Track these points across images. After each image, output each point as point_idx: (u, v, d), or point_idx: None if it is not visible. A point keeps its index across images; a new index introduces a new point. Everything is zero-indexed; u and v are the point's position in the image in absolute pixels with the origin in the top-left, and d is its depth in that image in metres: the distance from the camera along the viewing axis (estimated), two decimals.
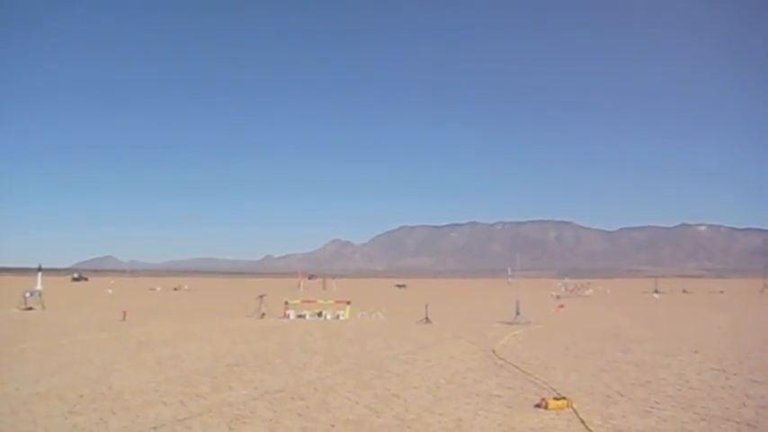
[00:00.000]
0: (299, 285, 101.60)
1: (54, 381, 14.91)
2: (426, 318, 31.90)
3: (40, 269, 49.90)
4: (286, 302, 38.87)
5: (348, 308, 36.93)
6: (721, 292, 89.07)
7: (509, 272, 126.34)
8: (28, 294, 43.94)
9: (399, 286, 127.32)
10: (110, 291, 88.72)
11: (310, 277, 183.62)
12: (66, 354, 19.91)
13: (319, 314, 35.58)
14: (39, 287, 46.08)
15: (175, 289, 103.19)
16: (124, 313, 34.70)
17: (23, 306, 42.53)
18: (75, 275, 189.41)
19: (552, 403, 11.65)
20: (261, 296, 38.62)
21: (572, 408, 11.55)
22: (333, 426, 10.55)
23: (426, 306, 34.63)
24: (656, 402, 12.25)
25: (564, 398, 11.98)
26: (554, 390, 13.34)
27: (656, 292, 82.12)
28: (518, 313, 32.20)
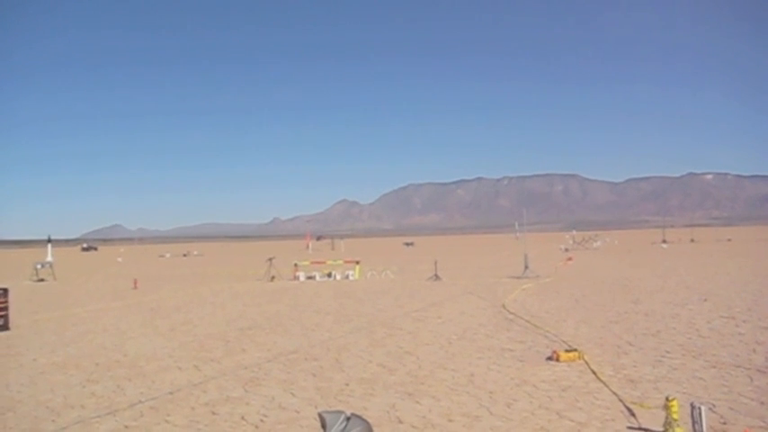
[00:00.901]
0: (307, 247, 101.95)
1: (70, 350, 15.07)
2: (436, 275, 32.00)
3: (49, 240, 50.13)
4: (295, 264, 39.02)
5: (357, 267, 37.05)
6: (729, 240, 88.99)
7: (516, 226, 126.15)
8: (39, 266, 44.20)
9: (407, 244, 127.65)
10: (120, 259, 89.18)
11: (318, 238, 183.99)
12: (80, 323, 20.08)
13: (329, 275, 35.71)
14: (49, 258, 46.33)
15: (184, 255, 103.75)
16: (135, 281, 34.92)
17: (35, 278, 42.81)
18: (85, 245, 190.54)
19: (563, 355, 11.74)
20: (270, 259, 38.76)
21: (583, 359, 11.64)
22: (347, 384, 10.67)
23: (435, 263, 34.74)
24: (667, 351, 12.33)
25: (575, 350, 12.07)
26: (565, 342, 13.44)
27: (664, 242, 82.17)
28: (527, 267, 32.26)
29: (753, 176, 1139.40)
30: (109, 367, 12.81)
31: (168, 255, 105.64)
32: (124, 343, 15.86)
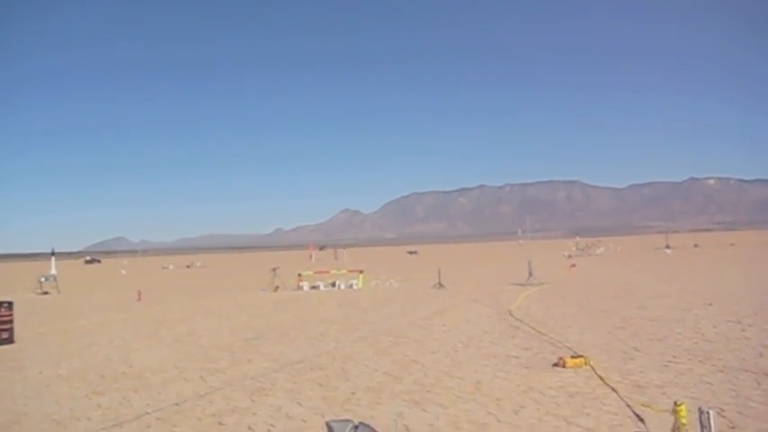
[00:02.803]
0: (310, 257, 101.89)
1: (75, 362, 15.07)
2: (440, 283, 31.98)
3: (53, 253, 50.21)
4: (299, 274, 39.02)
5: (361, 276, 37.05)
6: (733, 244, 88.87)
7: (519, 233, 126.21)
8: (43, 279, 44.25)
9: (411, 253, 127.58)
10: (123, 271, 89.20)
11: (321, 248, 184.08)
12: (85, 336, 20.08)
13: (333, 284, 35.72)
14: (53, 271, 46.34)
15: (188, 266, 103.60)
16: (139, 293, 34.90)
17: (39, 291, 42.83)
18: (89, 258, 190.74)
19: (570, 361, 11.72)
20: (274, 269, 38.78)
21: (589, 365, 11.62)
22: (353, 393, 10.65)
23: (439, 271, 34.71)
24: (673, 356, 12.31)
25: (581, 356, 12.05)
26: (571, 348, 13.42)
27: (668, 247, 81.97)
28: (531, 274, 32.25)
29: (755, 180, 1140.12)
30: (115, 379, 12.80)
31: (172, 266, 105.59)
32: (129, 355, 15.86)
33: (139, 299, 33.19)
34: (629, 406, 8.98)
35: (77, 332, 21.07)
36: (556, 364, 11.90)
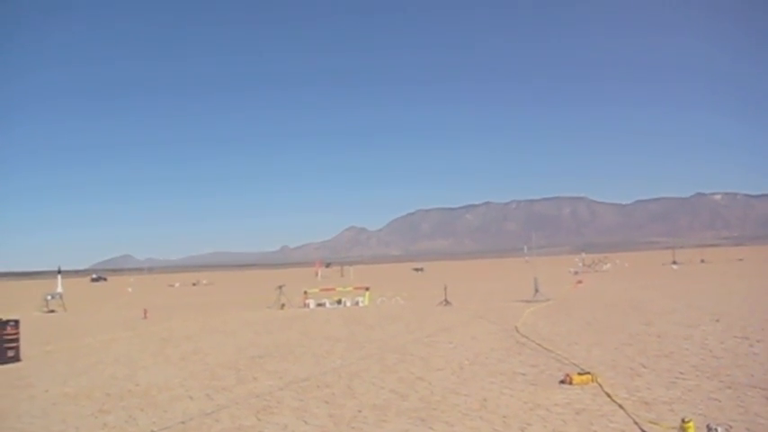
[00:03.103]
0: (316, 274, 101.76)
1: (81, 381, 15.07)
2: (446, 300, 31.92)
3: (59, 271, 50.23)
4: (305, 292, 38.97)
5: (367, 294, 37.00)
6: (740, 259, 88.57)
7: (525, 250, 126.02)
8: (49, 297, 44.31)
9: (417, 270, 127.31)
10: (130, 289, 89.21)
11: (327, 265, 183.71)
12: (91, 354, 20.10)
13: (339, 302, 35.70)
14: (59, 289, 46.38)
15: (194, 284, 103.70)
16: (145, 311, 34.91)
17: (45, 309, 42.91)
18: (95, 276, 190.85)
19: (577, 378, 11.67)
20: (280, 287, 38.74)
21: (596, 382, 11.58)
22: (360, 411, 10.63)
23: (445, 288, 34.66)
24: (681, 373, 12.26)
25: (588, 372, 12.01)
26: (577, 365, 13.36)
27: (675, 263, 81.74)
28: (537, 291, 32.17)
29: (762, 195, 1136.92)
30: (121, 397, 12.79)
31: (178, 284, 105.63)
32: (135, 373, 15.85)
33: (145, 317, 33.20)
34: (636, 423, 8.94)
35: (84, 350, 21.10)
36: (563, 381, 11.86)
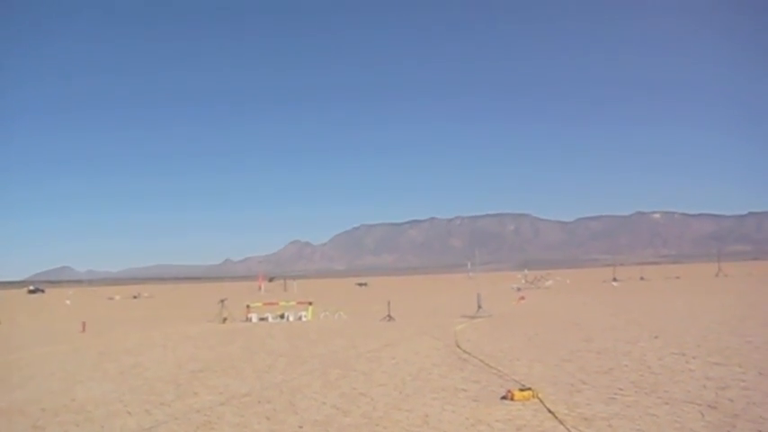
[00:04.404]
0: (259, 288, 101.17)
1: (15, 395, 14.69)
2: (389, 315, 31.93)
3: None
4: (248, 306, 38.70)
5: (310, 308, 36.87)
6: (677, 277, 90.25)
7: (469, 266, 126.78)
8: None
9: (360, 285, 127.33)
10: (68, 302, 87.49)
11: (270, 279, 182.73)
12: (26, 367, 19.63)
13: (282, 316, 35.50)
14: None
15: (134, 297, 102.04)
16: (83, 324, 34.23)
17: None
18: (32, 287, 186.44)
19: (518, 394, 11.74)
20: (222, 300, 38.43)
21: (538, 398, 11.66)
22: (301, 427, 10.54)
23: (388, 303, 34.67)
24: (620, 389, 12.42)
25: (529, 389, 12.08)
26: (519, 381, 13.45)
27: (615, 280, 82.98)
28: (480, 307, 32.38)
29: (699, 215, 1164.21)
30: (56, 413, 12.50)
31: (118, 297, 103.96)
32: (72, 387, 15.51)
33: (84, 330, 32.54)
34: None
35: (18, 364, 20.59)
36: (504, 397, 11.91)
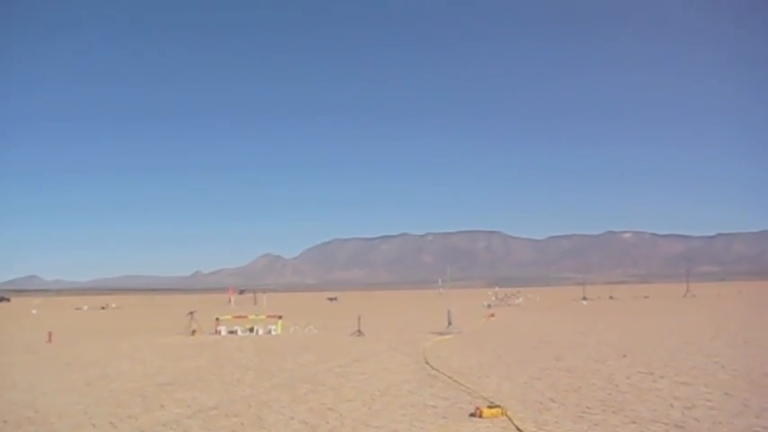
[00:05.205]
0: (229, 301, 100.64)
1: None
2: (359, 330, 31.85)
3: None
4: (217, 318, 38.41)
5: (280, 322, 36.68)
6: (646, 297, 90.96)
7: (440, 282, 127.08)
8: None
9: (331, 299, 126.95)
10: (34, 311, 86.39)
11: (241, 292, 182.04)
12: None
13: (251, 329, 35.29)
14: None
15: (102, 308, 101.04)
16: (50, 334, 33.76)
17: None
18: None
19: (487, 412, 11.75)
20: (191, 313, 38.13)
21: (506, 415, 11.67)
22: None
23: (359, 318, 34.60)
24: (588, 407, 12.46)
25: (498, 406, 12.10)
26: (488, 398, 13.45)
27: (585, 298, 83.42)
28: (450, 323, 32.41)
29: (668, 235, 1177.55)
30: (18, 425, 12.31)
31: (86, 307, 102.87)
32: (36, 399, 15.28)
33: (50, 340, 32.10)
34: None
35: None
36: (473, 414, 11.91)
